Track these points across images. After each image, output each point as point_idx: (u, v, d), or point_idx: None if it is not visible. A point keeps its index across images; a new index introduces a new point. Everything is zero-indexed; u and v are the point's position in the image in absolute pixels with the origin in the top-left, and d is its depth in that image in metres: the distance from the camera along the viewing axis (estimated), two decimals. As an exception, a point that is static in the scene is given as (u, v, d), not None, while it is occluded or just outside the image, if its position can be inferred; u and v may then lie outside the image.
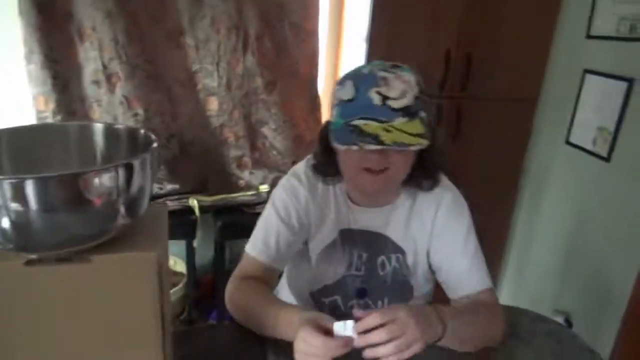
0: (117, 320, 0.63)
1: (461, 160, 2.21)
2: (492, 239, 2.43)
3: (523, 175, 2.34)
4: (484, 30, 2.03)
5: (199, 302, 2.39)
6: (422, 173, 0.99)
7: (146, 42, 1.98)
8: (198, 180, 2.24)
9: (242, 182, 2.26)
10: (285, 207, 1.03)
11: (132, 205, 0.59)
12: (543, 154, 2.22)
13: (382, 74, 0.88)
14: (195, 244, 2.16)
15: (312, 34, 2.11)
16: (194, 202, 2.11)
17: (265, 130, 2.22)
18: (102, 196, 0.54)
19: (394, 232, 1.05)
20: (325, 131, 0.98)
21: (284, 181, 1.07)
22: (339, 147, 0.88)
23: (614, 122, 1.79)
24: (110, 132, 0.67)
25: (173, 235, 2.28)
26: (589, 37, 1.92)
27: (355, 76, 0.91)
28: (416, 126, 0.87)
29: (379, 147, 0.82)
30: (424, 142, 0.86)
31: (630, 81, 1.73)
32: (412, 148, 0.85)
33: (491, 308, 0.97)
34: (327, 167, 1.01)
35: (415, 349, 0.75)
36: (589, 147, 1.92)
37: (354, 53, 2.13)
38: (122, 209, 0.57)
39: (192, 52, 2.05)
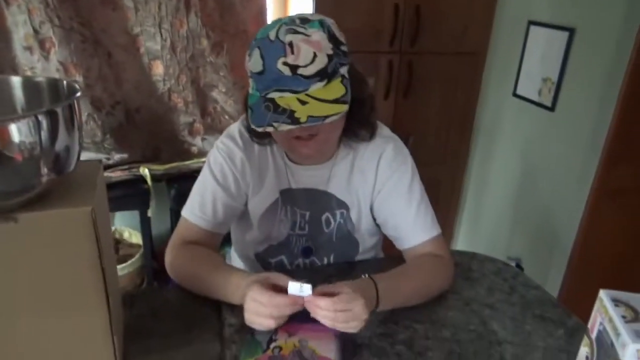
0: (55, 282, 0.60)
1: (414, 115, 2.24)
2: (448, 189, 2.51)
3: (475, 127, 2.39)
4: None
5: (159, 273, 2.35)
6: (357, 124, 0.96)
7: (80, 3, 1.86)
8: (148, 148, 2.17)
9: (194, 149, 2.21)
10: (222, 170, 0.99)
11: (58, 159, 0.56)
12: (492, 106, 2.27)
13: (289, 37, 0.80)
14: (149, 213, 2.11)
15: (258, -9, 2.04)
16: (145, 171, 2.04)
17: (215, 94, 2.16)
18: (22, 148, 0.50)
19: (337, 188, 1.03)
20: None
21: (218, 143, 1.01)
22: (256, 128, 0.82)
23: (557, 72, 1.84)
24: (30, 84, 0.63)
25: (125, 206, 2.24)
26: (532, -13, 1.94)
27: (262, 43, 0.83)
28: (335, 88, 0.82)
29: (292, 127, 0.78)
30: (343, 109, 0.82)
31: (571, 31, 1.77)
32: (329, 120, 0.80)
33: (437, 258, 0.98)
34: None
35: (353, 325, 0.78)
36: (534, 98, 1.97)
37: (301, 9, 2.07)
38: (46, 162, 0.53)
39: (132, 13, 1.94)
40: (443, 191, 2.50)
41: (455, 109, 2.31)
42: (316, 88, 0.81)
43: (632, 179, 1.87)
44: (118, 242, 2.35)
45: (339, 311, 0.76)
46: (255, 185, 1.01)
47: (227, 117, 2.19)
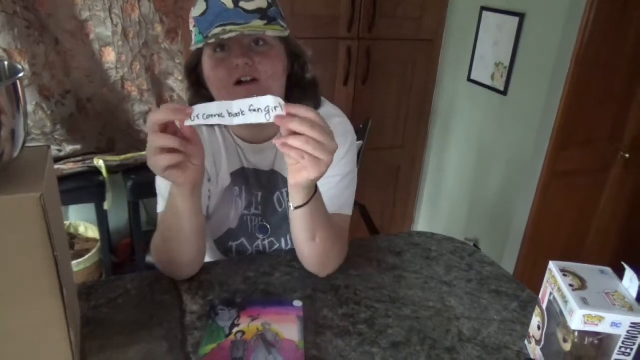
0: (5, 272, 0.57)
1: (373, 100, 2.27)
2: (408, 173, 2.56)
3: (432, 112, 2.44)
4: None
5: (118, 268, 2.30)
6: (300, 91, 0.98)
7: (23, -14, 1.77)
8: (102, 139, 2.11)
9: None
10: None
11: (1, 144, 0.53)
12: (448, 91, 2.32)
13: None
14: (106, 206, 2.05)
15: (213, -24, 1.99)
16: (99, 162, 1.98)
17: (171, 82, 2.11)
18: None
19: (283, 166, 1.02)
20: (190, 64, 0.95)
21: None
22: (197, 46, 0.85)
23: (508, 57, 1.90)
24: (-31, 67, 0.59)
25: (80, 199, 2.18)
26: (484, -26, 1.99)
27: None
28: (277, 27, 0.86)
29: (234, 33, 0.80)
30: (285, 32, 0.86)
31: (521, 16, 1.82)
32: (269, 32, 0.84)
33: (340, 232, 0.97)
34: (202, 101, 0.97)
35: (322, 157, 0.68)
36: (488, 82, 2.03)
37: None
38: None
39: (79, -3, 1.86)
40: (402, 175, 2.55)
41: (413, 94, 2.35)
42: (257, 24, 0.84)
43: (579, 162, 1.97)
44: (73, 237, 2.28)
45: (319, 127, 0.67)
46: (211, 170, 1.00)
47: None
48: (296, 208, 0.82)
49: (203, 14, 0.85)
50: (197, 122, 0.67)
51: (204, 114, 0.67)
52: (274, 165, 1.03)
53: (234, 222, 1.05)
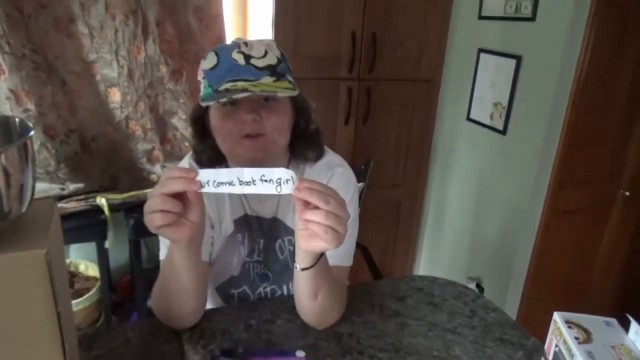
0: (7, 327, 0.57)
1: (374, 139, 2.30)
2: (409, 210, 2.56)
3: (432, 150, 2.46)
4: (387, 13, 2.10)
5: (118, 306, 2.27)
6: (304, 142, 1.00)
7: (32, 30, 1.82)
8: (105, 177, 2.12)
9: (154, 177, 2.17)
10: None
11: (10, 202, 0.54)
12: (448, 130, 2.35)
13: (243, 39, 0.91)
14: (107, 245, 2.04)
15: (217, 18, 2.05)
16: (102, 201, 1.98)
17: (174, 121, 2.14)
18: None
19: (285, 214, 1.04)
20: (196, 113, 0.97)
21: None
22: (208, 104, 0.86)
23: (506, 97, 1.93)
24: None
25: (82, 238, 2.17)
26: (480, 17, 2.04)
27: (217, 47, 0.93)
28: (284, 84, 0.88)
29: (246, 93, 0.82)
30: (293, 92, 0.87)
31: (518, 58, 1.86)
32: (280, 94, 0.85)
33: (341, 285, 0.97)
34: (207, 152, 0.99)
35: (342, 231, 0.68)
36: (487, 122, 2.05)
37: (261, 37, 2.10)
38: (-3, 206, 0.51)
39: (87, 40, 1.91)
40: (404, 212, 2.55)
41: (413, 133, 2.37)
42: (267, 81, 0.87)
43: (579, 200, 1.97)
44: (73, 276, 2.26)
45: (334, 201, 0.67)
46: (214, 217, 1.00)
47: (187, 144, 2.17)
48: (303, 269, 0.81)
49: (213, 67, 0.88)
50: (207, 189, 0.67)
51: (214, 180, 0.66)
52: (277, 213, 1.04)
53: (237, 269, 1.04)
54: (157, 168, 2.16)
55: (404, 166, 2.43)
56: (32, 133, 0.55)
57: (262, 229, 1.04)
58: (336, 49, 2.07)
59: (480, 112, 2.09)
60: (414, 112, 2.33)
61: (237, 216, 1.03)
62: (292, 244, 1.05)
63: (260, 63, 0.87)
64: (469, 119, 2.16)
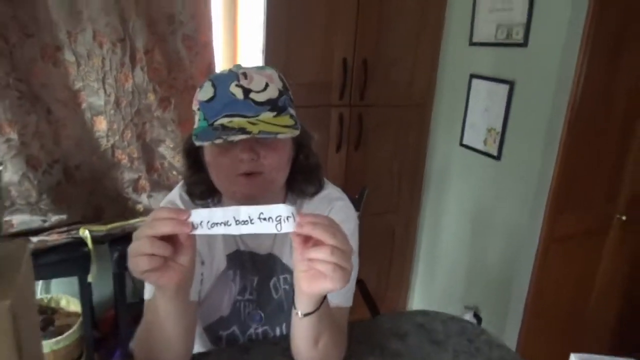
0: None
1: (366, 166, 2.26)
2: (403, 237, 2.51)
3: (425, 176, 2.42)
4: (378, 39, 2.09)
5: (101, 342, 2.17)
6: (302, 177, 0.95)
7: (17, 59, 1.77)
8: (89, 207, 2.05)
9: (140, 207, 2.10)
10: None
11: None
12: (440, 156, 2.32)
13: (242, 70, 0.85)
14: (90, 279, 1.95)
15: (207, 46, 2.02)
16: (85, 233, 1.91)
17: (162, 149, 2.08)
18: None
19: (281, 251, 0.98)
20: (190, 145, 0.91)
21: None
22: (202, 144, 0.80)
23: (500, 122, 1.91)
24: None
25: (63, 272, 2.09)
26: (472, 44, 2.04)
27: (214, 77, 0.87)
28: (284, 120, 0.82)
29: (244, 136, 0.75)
30: (295, 131, 0.81)
31: (511, 83, 1.85)
32: (281, 136, 0.78)
33: (341, 328, 0.91)
34: (200, 186, 0.93)
35: (347, 268, 0.62)
36: (480, 147, 2.03)
37: (251, 64, 2.07)
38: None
39: (73, 68, 1.86)
40: (398, 239, 2.50)
41: (406, 158, 2.35)
42: (266, 117, 0.81)
43: (576, 225, 1.94)
44: (54, 312, 2.16)
45: (340, 234, 0.61)
46: (205, 253, 0.94)
47: (175, 172, 2.11)
48: (305, 315, 0.75)
49: (210, 100, 0.83)
50: (200, 231, 0.62)
51: (208, 221, 0.61)
52: (272, 249, 0.98)
53: (227, 309, 0.98)
54: (143, 198, 2.09)
55: (398, 192, 2.39)
56: (1, 167, 0.50)
57: (256, 266, 0.98)
58: (327, 76, 2.05)
59: (474, 138, 2.06)
60: (406, 137, 2.31)
61: (230, 251, 0.97)
62: (288, 282, 0.99)
63: (260, 97, 0.81)
64: (462, 144, 2.14)
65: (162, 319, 0.75)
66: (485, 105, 1.99)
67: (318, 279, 0.64)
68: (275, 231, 0.60)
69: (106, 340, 2.21)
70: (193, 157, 0.92)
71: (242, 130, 0.77)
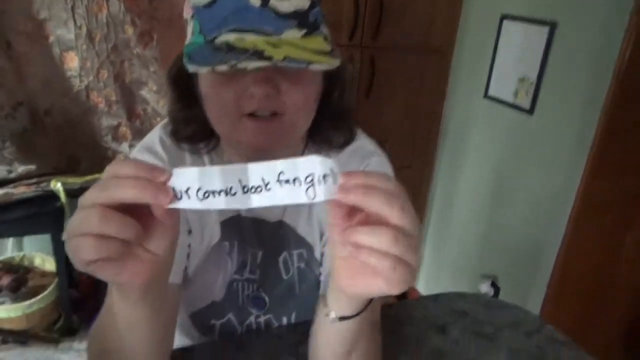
0: None
1: (378, 115, 2.03)
2: (414, 195, 2.30)
3: (442, 130, 2.19)
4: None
5: (81, 304, 1.99)
6: (330, 122, 0.70)
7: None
8: (62, 158, 1.84)
9: (121, 157, 1.87)
10: None
11: None
12: (461, 108, 2.07)
13: None
14: (64, 237, 1.75)
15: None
16: (57, 186, 1.70)
17: (144, 92, 1.84)
18: None
19: (296, 218, 0.76)
20: (179, 69, 0.64)
21: None
22: (198, 70, 0.55)
23: (535, 71, 1.66)
24: None
25: (34, 228, 1.88)
26: (505, -24, 1.76)
27: None
28: (317, 42, 0.58)
29: (263, 63, 0.51)
30: (333, 61, 0.56)
31: (551, 25, 1.59)
32: (315, 67, 0.54)
33: (378, 328, 0.69)
34: (191, 125, 0.69)
35: (417, 263, 0.40)
36: (509, 99, 1.79)
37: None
38: None
39: (36, -6, 1.58)
40: (409, 194, 2.29)
41: (421, 109, 2.10)
42: (292, 36, 0.56)
43: (611, 193, 1.73)
44: (28, 271, 1.99)
45: (409, 207, 0.40)
46: (193, 220, 0.71)
47: (159, 119, 1.86)
48: (340, 319, 0.53)
49: (210, 3, 0.56)
50: (185, 203, 0.39)
51: (199, 188, 0.39)
52: (284, 215, 0.75)
53: (220, 291, 0.75)
54: (124, 147, 1.87)
55: (412, 147, 2.16)
56: None
57: (261, 236, 0.75)
58: (336, 11, 1.77)
59: (502, 88, 1.82)
60: (422, 86, 2.05)
61: (226, 217, 0.73)
62: (304, 259, 0.76)
63: (284, 7, 0.55)
64: (487, 96, 1.89)
65: (121, 329, 0.52)
66: (517, 51, 1.73)
67: (366, 275, 0.41)
68: (305, 200, 0.38)
69: (86, 300, 2.04)
70: (183, 86, 0.66)
71: (259, 55, 0.52)
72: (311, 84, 0.62)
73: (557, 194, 1.66)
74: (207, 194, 0.39)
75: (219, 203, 0.39)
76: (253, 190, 0.38)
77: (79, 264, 0.40)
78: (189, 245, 0.71)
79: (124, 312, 0.49)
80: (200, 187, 0.39)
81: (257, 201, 0.38)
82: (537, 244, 1.76)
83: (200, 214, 0.70)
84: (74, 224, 0.39)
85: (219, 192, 0.39)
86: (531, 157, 1.75)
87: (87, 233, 0.38)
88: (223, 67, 0.51)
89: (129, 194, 0.38)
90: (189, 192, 0.39)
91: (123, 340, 0.53)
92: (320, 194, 0.37)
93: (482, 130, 1.97)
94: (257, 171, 0.38)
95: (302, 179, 0.38)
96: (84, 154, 1.85)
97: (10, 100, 1.67)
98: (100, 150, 1.86)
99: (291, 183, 0.38)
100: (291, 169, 0.37)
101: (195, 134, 0.69)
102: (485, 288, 1.90)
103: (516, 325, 0.80)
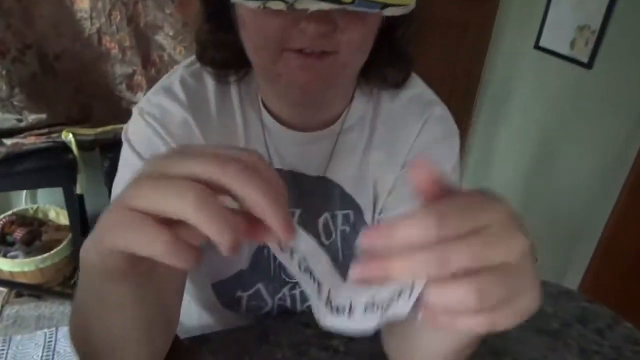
0: None
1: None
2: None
3: (481, 86, 2.01)
4: None
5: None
6: (387, 60, 0.60)
7: None
8: (74, 107, 1.74)
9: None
10: (151, 150, 0.57)
11: None
12: (506, 61, 1.90)
13: None
14: (78, 190, 1.71)
15: None
16: (69, 137, 1.62)
17: (160, 38, 1.72)
18: None
19: (341, 174, 0.64)
20: None
21: (143, 105, 0.60)
22: (243, 2, 0.45)
23: (599, 18, 1.46)
24: None
25: (44, 182, 1.80)
26: None
27: None
28: None
29: (329, 5, 0.42)
30: (411, 2, 0.47)
31: (624, -37, 1.38)
32: (390, 11, 0.45)
33: None
34: (220, 51, 0.57)
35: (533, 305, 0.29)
36: (564, 51, 1.60)
37: None
38: None
39: None
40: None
41: (461, 61, 1.93)
42: None
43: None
44: (42, 224, 1.94)
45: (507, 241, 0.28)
46: None
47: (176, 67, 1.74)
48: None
49: None
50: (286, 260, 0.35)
51: (304, 257, 0.35)
52: (326, 169, 0.63)
53: (248, 259, 0.65)
54: (139, 97, 1.77)
55: (448, 103, 2.00)
56: None
57: (299, 193, 0.63)
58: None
59: (556, 39, 1.63)
60: (464, 34, 1.88)
61: None
62: (349, 221, 0.65)
63: None
64: (537, 46, 1.71)
65: (109, 308, 0.41)
66: (578, -4, 1.54)
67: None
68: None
69: (103, 257, 2.00)
70: (216, 5, 0.55)
71: None
72: (372, 23, 0.51)
73: (611, 163, 1.50)
74: (308, 271, 0.35)
75: (306, 285, 0.34)
76: (336, 310, 0.34)
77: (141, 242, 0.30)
78: None
79: (115, 290, 0.38)
80: (306, 259, 0.35)
81: (330, 322, 0.34)
82: (582, 216, 1.62)
83: None
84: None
85: (314, 280, 0.35)
86: (587, 117, 1.58)
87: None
88: (280, 5, 0.42)
89: (257, 200, 0.30)
90: (294, 255, 0.35)
91: (108, 325, 0.43)
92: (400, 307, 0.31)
93: (529, 88, 1.79)
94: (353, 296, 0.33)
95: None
96: (97, 104, 1.77)
97: (17, 42, 1.58)
98: (113, 99, 1.77)
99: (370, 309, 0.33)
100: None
101: (225, 60, 0.58)
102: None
103: (586, 321, 0.67)
